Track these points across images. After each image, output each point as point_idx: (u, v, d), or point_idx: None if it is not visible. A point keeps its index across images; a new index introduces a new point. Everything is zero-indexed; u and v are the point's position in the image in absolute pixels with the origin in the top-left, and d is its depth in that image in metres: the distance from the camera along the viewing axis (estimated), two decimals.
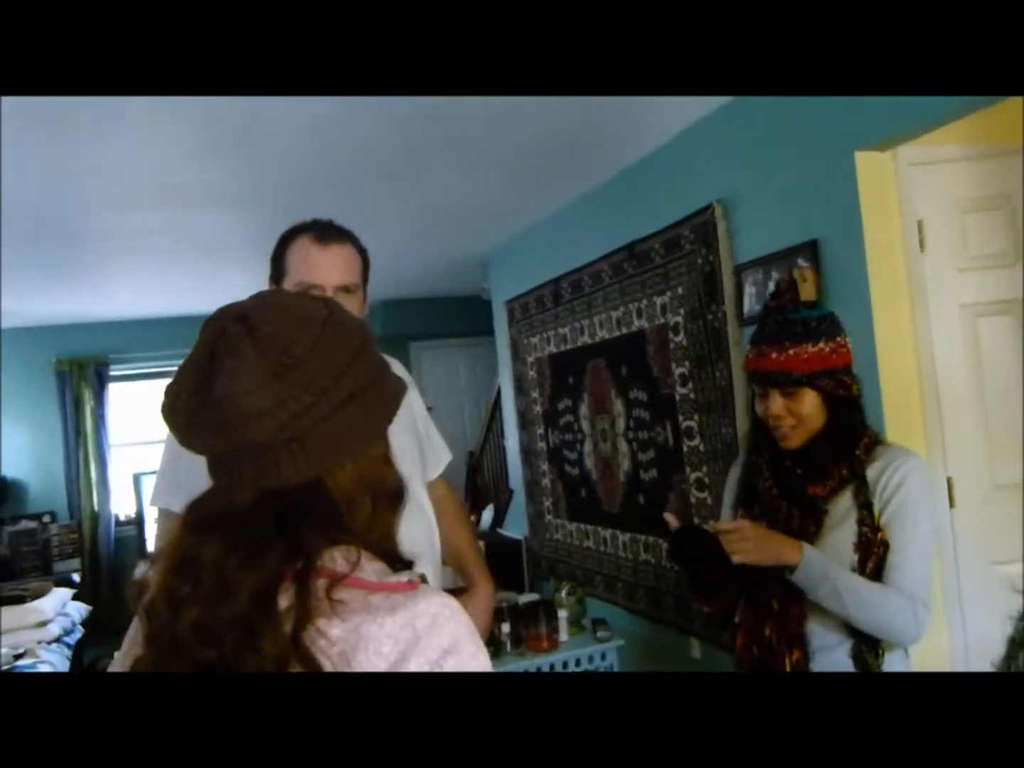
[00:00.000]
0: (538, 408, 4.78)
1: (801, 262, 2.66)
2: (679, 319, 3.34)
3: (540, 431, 4.78)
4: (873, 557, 1.57)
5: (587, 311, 4.10)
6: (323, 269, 1.60)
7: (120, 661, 0.83)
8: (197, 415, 0.75)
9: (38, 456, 6.31)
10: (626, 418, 3.84)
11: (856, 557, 1.57)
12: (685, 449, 3.38)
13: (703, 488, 3.28)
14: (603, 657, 2.82)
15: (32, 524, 5.86)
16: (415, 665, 0.71)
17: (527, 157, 3.46)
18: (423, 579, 0.80)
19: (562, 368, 4.44)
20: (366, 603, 0.74)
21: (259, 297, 0.82)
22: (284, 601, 0.73)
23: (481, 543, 5.16)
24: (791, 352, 1.58)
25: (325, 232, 1.64)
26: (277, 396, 0.72)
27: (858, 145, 2.45)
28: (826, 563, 1.53)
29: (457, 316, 6.95)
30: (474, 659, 0.74)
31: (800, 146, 2.66)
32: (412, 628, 0.72)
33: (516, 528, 5.27)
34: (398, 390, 0.85)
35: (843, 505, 1.61)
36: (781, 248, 2.75)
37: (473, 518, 5.94)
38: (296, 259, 1.62)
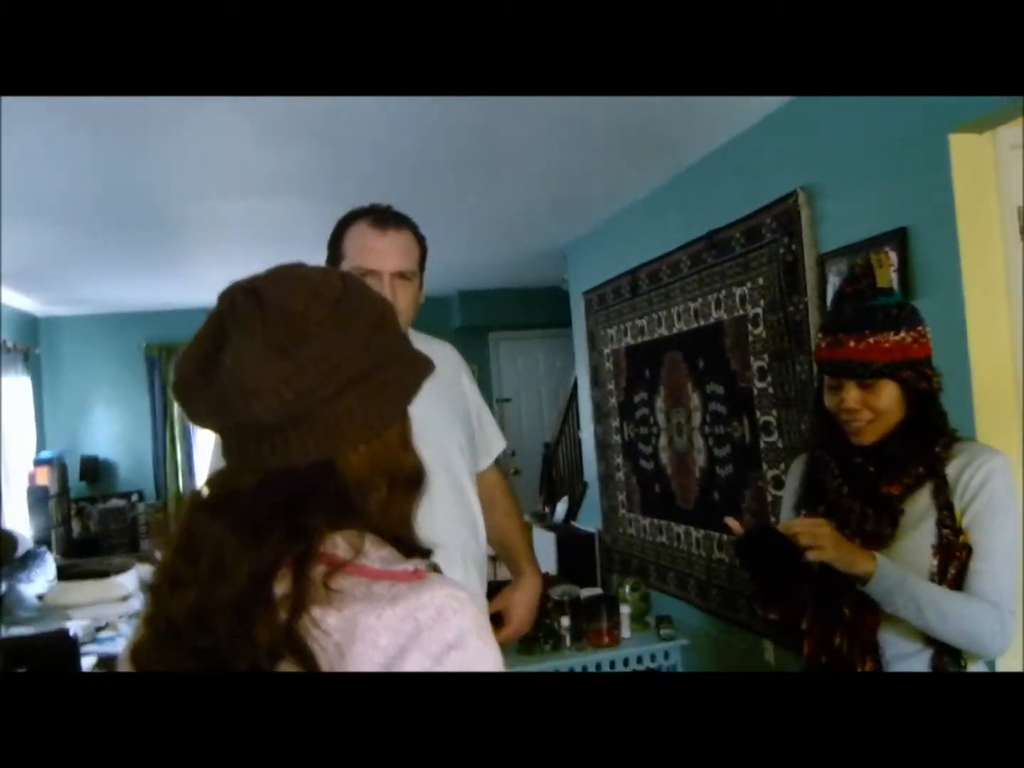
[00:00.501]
0: (613, 401, 4.71)
1: (888, 251, 2.52)
2: (759, 311, 3.22)
3: (615, 424, 4.71)
4: (955, 562, 1.45)
5: (665, 302, 4.00)
6: (380, 254, 1.60)
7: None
8: (202, 391, 0.72)
9: (128, 438, 6.57)
10: (702, 412, 3.74)
11: (936, 562, 1.46)
12: (762, 445, 3.27)
13: (780, 486, 3.16)
14: (666, 656, 2.74)
15: (121, 503, 6.10)
16: (414, 659, 0.67)
17: (607, 145, 3.40)
18: (435, 568, 0.77)
19: (638, 360, 4.36)
20: (368, 592, 0.71)
21: (274, 270, 0.79)
22: (282, 588, 0.70)
23: (553, 535, 5.14)
24: (871, 340, 1.48)
25: (383, 217, 1.64)
26: (282, 373, 0.69)
27: (953, 127, 2.31)
28: (902, 573, 1.43)
29: (537, 307, 6.92)
30: (480, 655, 0.70)
31: (890, 129, 2.53)
32: (414, 620, 0.69)
33: (590, 521, 5.21)
34: (420, 370, 0.81)
35: (920, 505, 1.50)
36: (867, 236, 2.62)
37: (547, 510, 5.91)
38: (353, 244, 1.62)
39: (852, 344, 1.48)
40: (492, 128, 3.06)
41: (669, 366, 4.02)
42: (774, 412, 3.17)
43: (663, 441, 4.15)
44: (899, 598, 1.41)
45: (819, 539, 1.42)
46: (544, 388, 7.52)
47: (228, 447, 0.76)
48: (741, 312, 3.35)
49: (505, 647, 2.98)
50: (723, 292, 3.47)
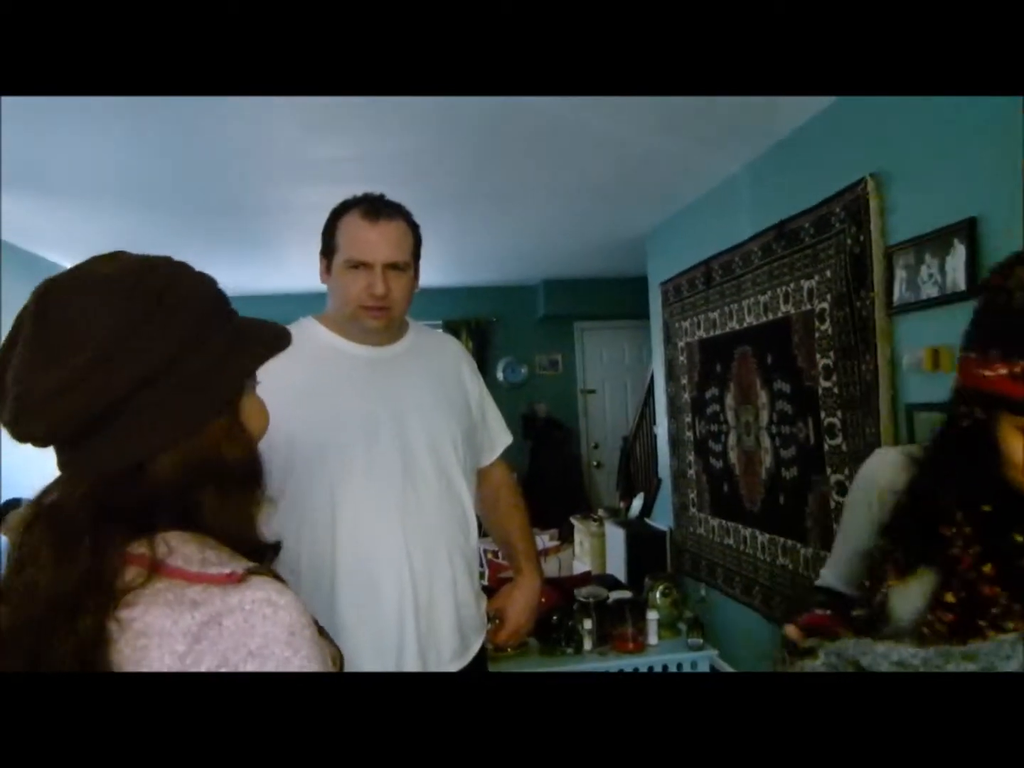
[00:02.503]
0: (686, 395, 4.56)
1: (957, 243, 2.32)
2: (825, 305, 3.04)
3: (688, 420, 4.56)
4: None
5: (736, 294, 3.84)
6: (371, 246, 1.57)
7: None
8: (2, 403, 0.70)
9: None
10: (769, 411, 3.57)
11: None
12: (826, 448, 3.08)
13: (844, 492, 2.98)
14: (694, 666, 2.61)
15: None
16: (208, 664, 0.64)
17: (683, 133, 3.28)
18: (262, 571, 0.71)
19: (710, 354, 4.20)
20: (180, 596, 0.67)
21: (75, 266, 0.76)
22: (93, 596, 0.67)
23: (623, 531, 5.03)
24: None
25: (374, 207, 1.60)
26: (56, 384, 0.66)
27: None
28: None
29: (623, 297, 6.78)
30: (285, 664, 0.66)
31: (962, 114, 2.32)
32: (217, 625, 0.65)
33: (663, 519, 5.08)
34: (248, 357, 0.76)
35: None
36: (936, 227, 2.42)
37: (623, 505, 5.80)
38: (345, 235, 1.59)
39: None
40: (571, 115, 3.00)
41: (739, 361, 3.86)
42: (839, 413, 2.99)
43: (732, 439, 3.99)
44: None
45: None
46: (629, 380, 7.37)
47: (57, 458, 0.74)
48: (808, 307, 3.17)
49: (527, 649, 2.91)
50: (791, 285, 3.29)
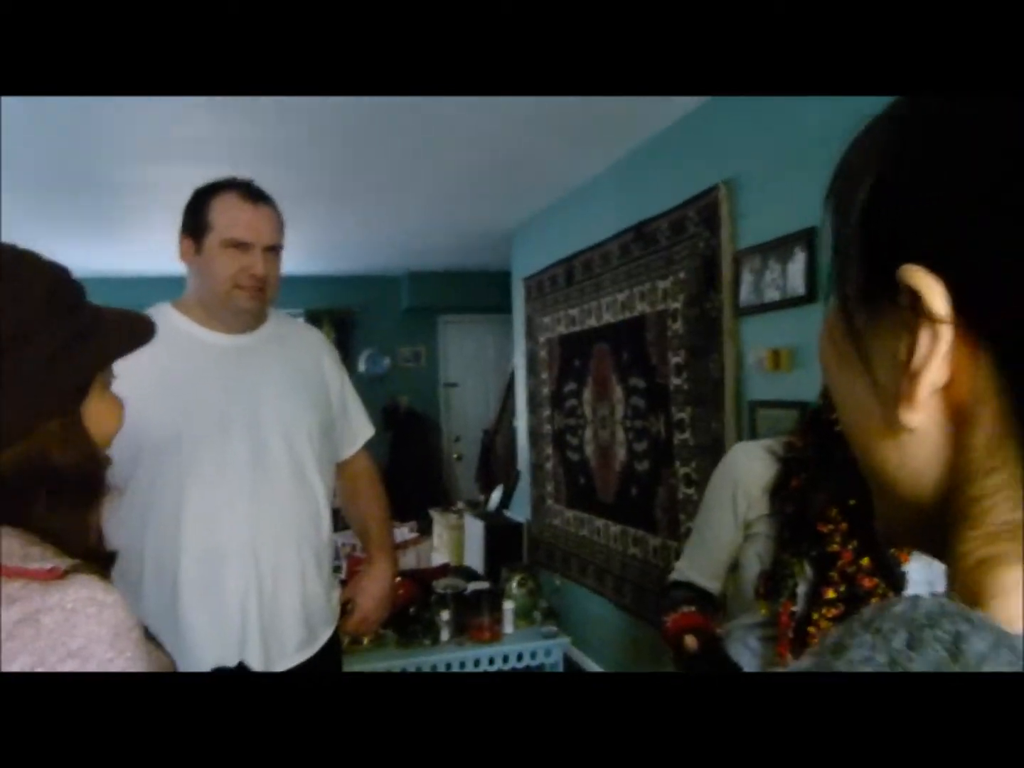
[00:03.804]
0: (546, 390, 4.65)
1: (798, 251, 2.47)
2: (678, 305, 3.17)
3: (547, 413, 4.66)
4: None
5: (596, 292, 3.94)
6: (254, 228, 1.57)
7: None
8: None
9: None
10: (624, 406, 3.69)
11: None
12: (676, 442, 3.22)
13: (691, 484, 3.12)
14: (548, 654, 2.69)
15: None
16: (23, 664, 0.61)
17: (550, 130, 3.33)
18: (86, 569, 0.68)
19: (570, 350, 4.30)
20: None
21: None
22: None
23: (481, 523, 5.08)
24: None
25: (254, 191, 1.61)
26: None
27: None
28: None
29: (487, 291, 6.83)
30: (108, 665, 0.63)
31: (808, 128, 2.47)
32: (35, 623, 0.62)
33: (520, 511, 5.16)
34: (106, 346, 0.72)
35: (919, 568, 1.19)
36: (781, 235, 2.57)
37: (483, 498, 5.85)
38: (224, 215, 1.57)
39: None
40: (441, 110, 2.99)
41: (597, 358, 3.97)
42: (688, 409, 3.12)
43: (589, 433, 4.10)
44: None
45: None
46: (491, 374, 7.44)
47: None
48: (663, 306, 3.29)
49: (384, 641, 2.89)
50: (647, 285, 3.41)
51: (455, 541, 5.36)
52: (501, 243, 5.46)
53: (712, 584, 1.35)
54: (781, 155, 2.62)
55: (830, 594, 1.16)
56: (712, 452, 2.93)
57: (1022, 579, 0.32)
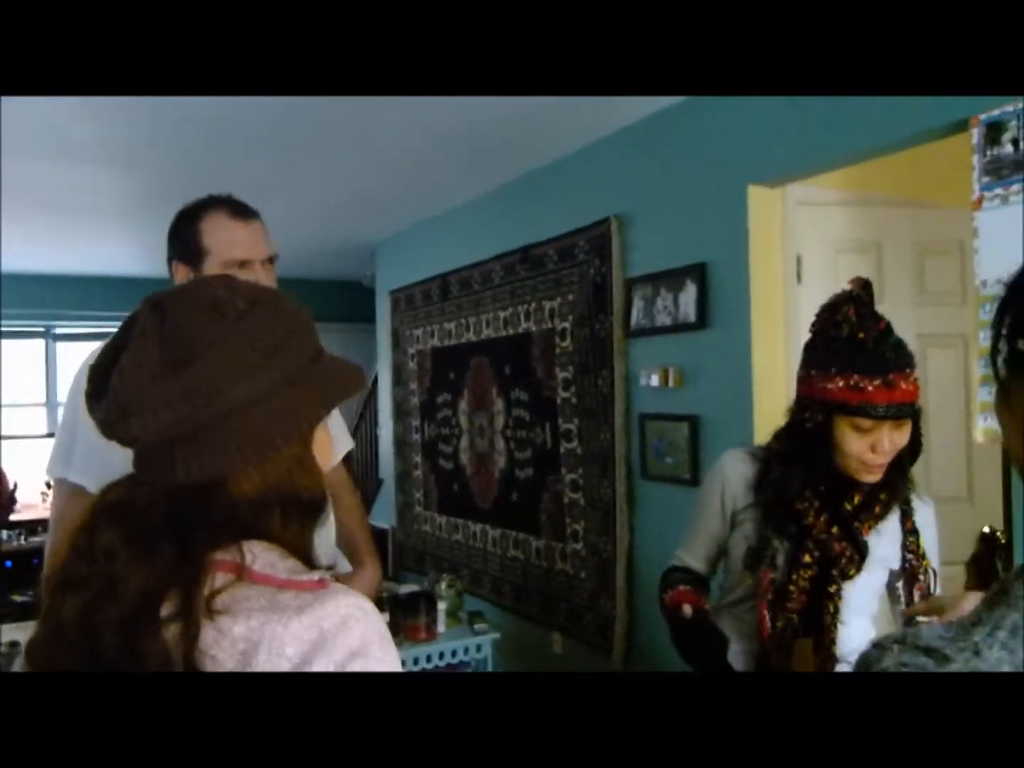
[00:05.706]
0: (415, 400, 4.80)
1: (689, 283, 2.81)
2: (567, 325, 3.45)
3: (415, 423, 4.81)
4: (918, 584, 1.51)
5: (474, 309, 4.15)
6: (249, 244, 1.59)
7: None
8: (97, 401, 0.73)
9: None
10: (505, 416, 3.92)
11: (900, 584, 1.53)
12: (562, 450, 3.49)
13: (577, 489, 3.41)
14: (478, 649, 2.89)
15: None
16: (320, 666, 0.69)
17: (430, 151, 3.47)
18: (336, 579, 0.78)
19: (444, 362, 4.48)
20: (273, 601, 0.71)
21: (188, 284, 0.80)
22: (171, 605, 0.70)
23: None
24: (913, 379, 1.40)
25: (240, 207, 1.62)
26: (165, 394, 0.69)
27: (751, 179, 2.62)
28: None
29: (337, 301, 6.85)
30: (382, 663, 0.72)
31: (699, 172, 2.81)
32: (319, 629, 0.70)
33: (383, 518, 5.27)
34: (331, 390, 0.81)
35: (883, 535, 1.51)
36: (673, 267, 2.90)
37: None
38: (217, 237, 1.57)
39: (903, 385, 1.37)
40: (316, 116, 3.01)
41: (475, 370, 4.18)
42: (575, 420, 3.40)
43: (464, 442, 4.30)
44: None
45: None
46: None
47: (135, 457, 0.76)
48: (550, 325, 3.56)
49: None
50: (533, 304, 3.67)
51: None
52: (359, 254, 5.53)
53: (704, 568, 1.61)
54: (669, 196, 2.95)
55: (806, 558, 1.46)
56: (601, 460, 3.23)
57: None
